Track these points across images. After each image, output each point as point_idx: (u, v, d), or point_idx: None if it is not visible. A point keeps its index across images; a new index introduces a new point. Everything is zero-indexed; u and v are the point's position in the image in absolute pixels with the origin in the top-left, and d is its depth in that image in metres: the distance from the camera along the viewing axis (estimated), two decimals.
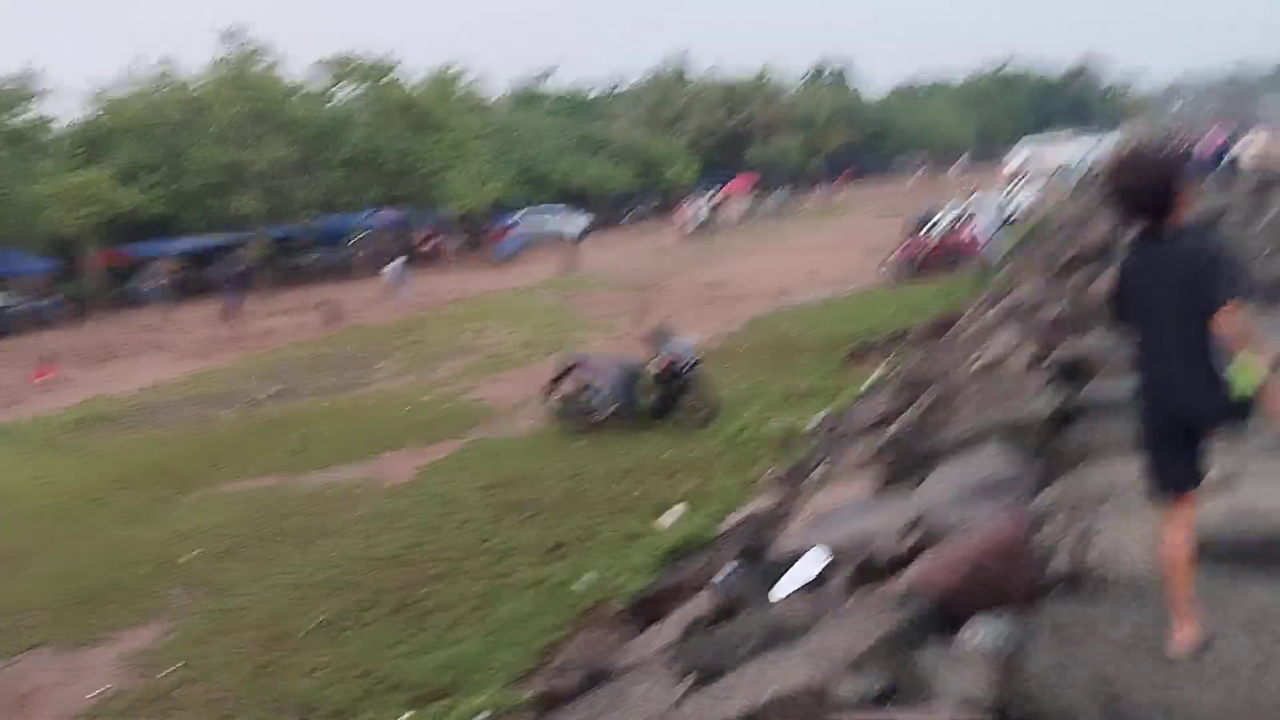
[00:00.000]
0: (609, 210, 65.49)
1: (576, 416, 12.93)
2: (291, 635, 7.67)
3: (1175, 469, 3.23)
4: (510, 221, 48.89)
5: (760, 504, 8.20)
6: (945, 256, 24.83)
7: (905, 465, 6.50)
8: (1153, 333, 3.23)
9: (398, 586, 8.33)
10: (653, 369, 12.81)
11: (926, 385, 9.84)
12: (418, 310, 29.73)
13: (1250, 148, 30.65)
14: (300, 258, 44.63)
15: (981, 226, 26.36)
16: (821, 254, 32.57)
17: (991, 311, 12.87)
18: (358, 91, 48.13)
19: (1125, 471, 4.56)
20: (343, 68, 46.55)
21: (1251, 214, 15.39)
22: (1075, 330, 8.41)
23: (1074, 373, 6.98)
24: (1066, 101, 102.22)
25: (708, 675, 4.16)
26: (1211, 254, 3.18)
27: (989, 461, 5.45)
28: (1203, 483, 3.27)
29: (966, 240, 25.18)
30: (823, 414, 11.43)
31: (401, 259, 34.98)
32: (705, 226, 49.00)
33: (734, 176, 65.36)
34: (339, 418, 15.87)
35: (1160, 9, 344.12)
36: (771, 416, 12.05)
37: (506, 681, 6.40)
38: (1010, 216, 34.46)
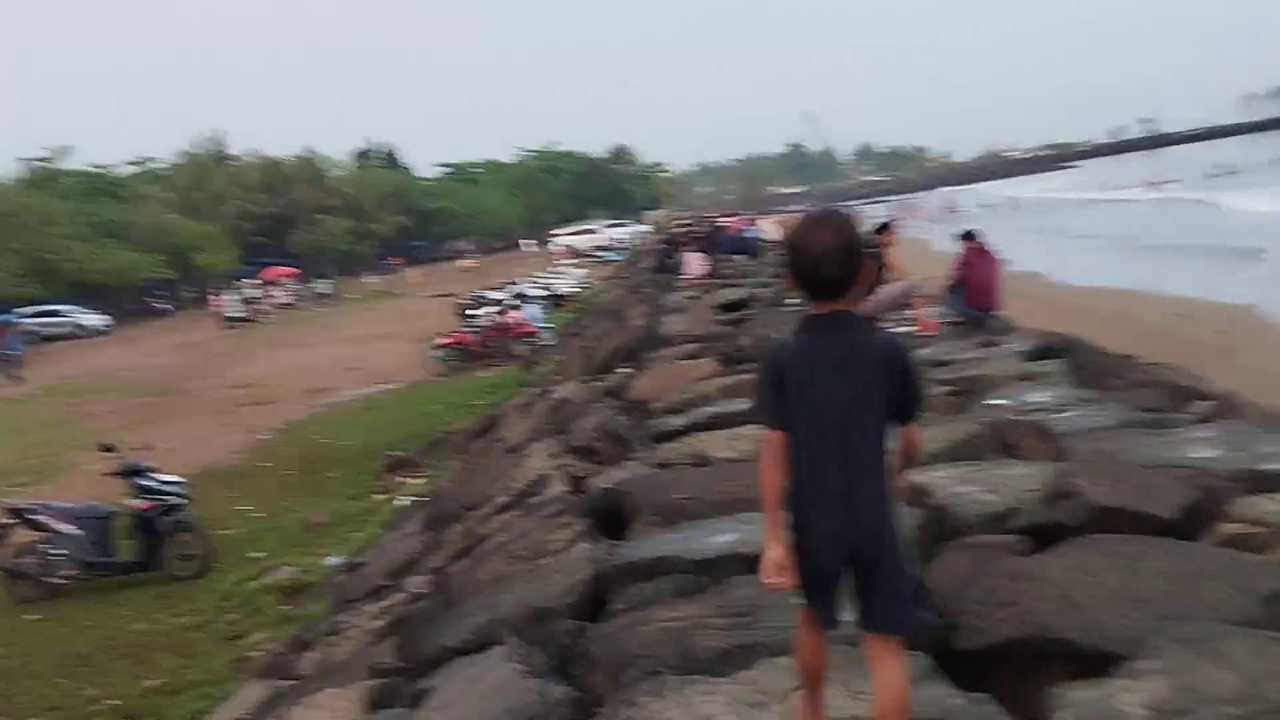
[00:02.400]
0: (134, 302, 59.57)
1: (30, 579, 10.15)
2: None
3: (831, 604, 2.69)
4: (10, 320, 42.54)
5: (238, 706, 6.23)
6: (496, 342, 23.85)
7: (407, 668, 4.90)
8: (823, 441, 2.59)
9: None
10: (130, 512, 10.35)
11: (455, 519, 8.34)
12: None
13: (768, 230, 32.99)
14: None
15: (531, 310, 25.75)
16: (368, 344, 30.68)
17: (531, 415, 11.70)
18: None
19: (681, 708, 3.24)
20: None
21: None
22: (613, 452, 7.25)
23: (610, 517, 5.74)
24: (606, 184, 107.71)
25: None
26: (903, 355, 2.66)
27: (501, 678, 3.97)
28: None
29: (516, 325, 24.35)
30: (341, 557, 9.59)
31: None
32: (243, 317, 45.40)
33: (275, 262, 61.86)
34: None
35: (673, 112, 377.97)
36: (282, 560, 10.01)
37: None
38: (558, 297, 34.63)
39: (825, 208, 2.87)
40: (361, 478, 13.64)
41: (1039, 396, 7.06)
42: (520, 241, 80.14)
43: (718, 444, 6.74)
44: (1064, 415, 6.57)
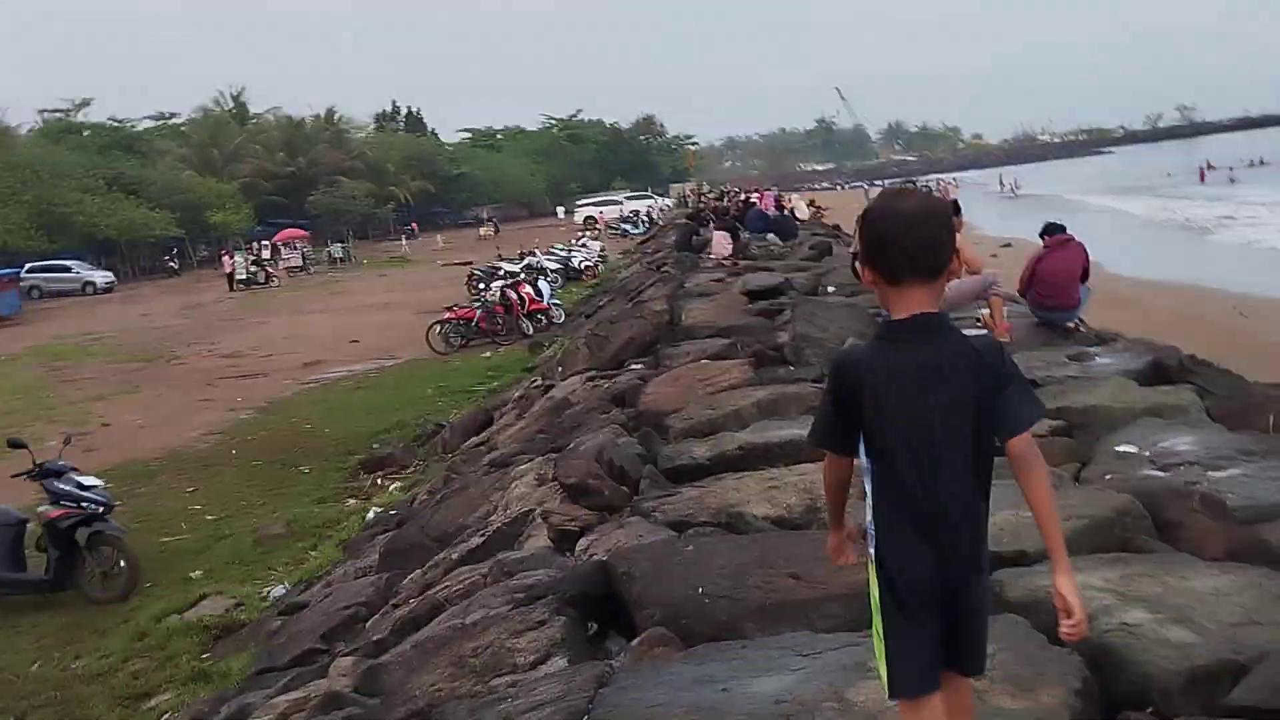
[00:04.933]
0: (146, 258, 58.16)
1: None
2: None
3: (928, 659, 2.17)
4: (10, 273, 41.18)
5: None
6: (503, 319, 22.13)
7: None
8: (922, 466, 2.12)
9: None
10: (45, 520, 8.71)
11: (418, 555, 6.68)
12: None
13: (797, 208, 31.21)
14: None
15: (544, 284, 24.02)
16: (373, 314, 29.08)
17: (526, 416, 10.02)
18: None
19: None
20: None
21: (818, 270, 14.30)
22: (615, 494, 5.53)
23: (603, 605, 4.06)
24: (632, 154, 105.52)
25: None
26: (1002, 356, 2.18)
27: None
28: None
29: (528, 300, 22.61)
30: (285, 586, 7.94)
31: None
32: (252, 280, 43.88)
33: (291, 224, 60.28)
34: None
35: (701, 85, 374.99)
36: (218, 587, 8.37)
37: None
38: (574, 271, 32.89)
39: (903, 185, 1.77)
40: (335, 475, 12.03)
41: (1181, 443, 5.30)
42: (555, 209, 78.70)
43: (754, 494, 5.04)
44: (1223, 475, 4.86)
